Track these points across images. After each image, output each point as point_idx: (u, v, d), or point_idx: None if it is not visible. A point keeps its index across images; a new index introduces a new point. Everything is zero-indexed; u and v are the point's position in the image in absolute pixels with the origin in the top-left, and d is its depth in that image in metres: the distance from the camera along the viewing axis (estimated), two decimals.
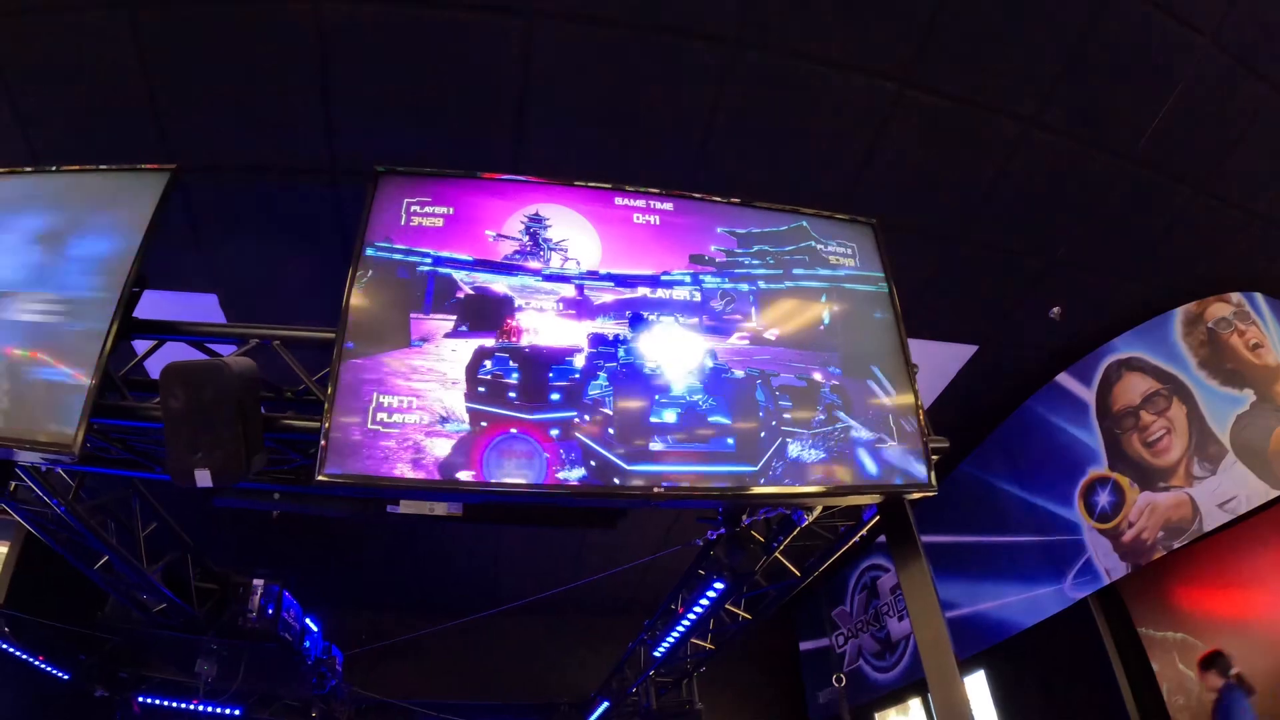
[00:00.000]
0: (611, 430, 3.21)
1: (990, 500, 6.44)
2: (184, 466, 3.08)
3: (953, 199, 5.25)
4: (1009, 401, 6.65)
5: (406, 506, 3.56)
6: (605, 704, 7.32)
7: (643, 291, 3.58)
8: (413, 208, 3.55)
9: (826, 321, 3.74)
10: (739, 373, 3.48)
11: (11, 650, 7.60)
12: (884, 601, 7.64)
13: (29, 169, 3.92)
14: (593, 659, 8.10)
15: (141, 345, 3.79)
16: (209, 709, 8.31)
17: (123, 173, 3.73)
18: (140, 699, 8.53)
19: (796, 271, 3.84)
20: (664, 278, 3.63)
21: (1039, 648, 6.00)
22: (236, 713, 8.31)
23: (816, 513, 4.05)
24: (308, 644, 5.75)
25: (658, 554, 4.67)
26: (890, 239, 4.11)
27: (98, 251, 3.45)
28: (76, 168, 3.77)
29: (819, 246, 3.92)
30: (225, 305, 5.48)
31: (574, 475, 3.09)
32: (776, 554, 4.25)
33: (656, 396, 3.33)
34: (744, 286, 3.71)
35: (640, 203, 3.83)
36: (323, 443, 2.97)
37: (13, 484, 4.19)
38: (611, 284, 3.57)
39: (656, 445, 3.23)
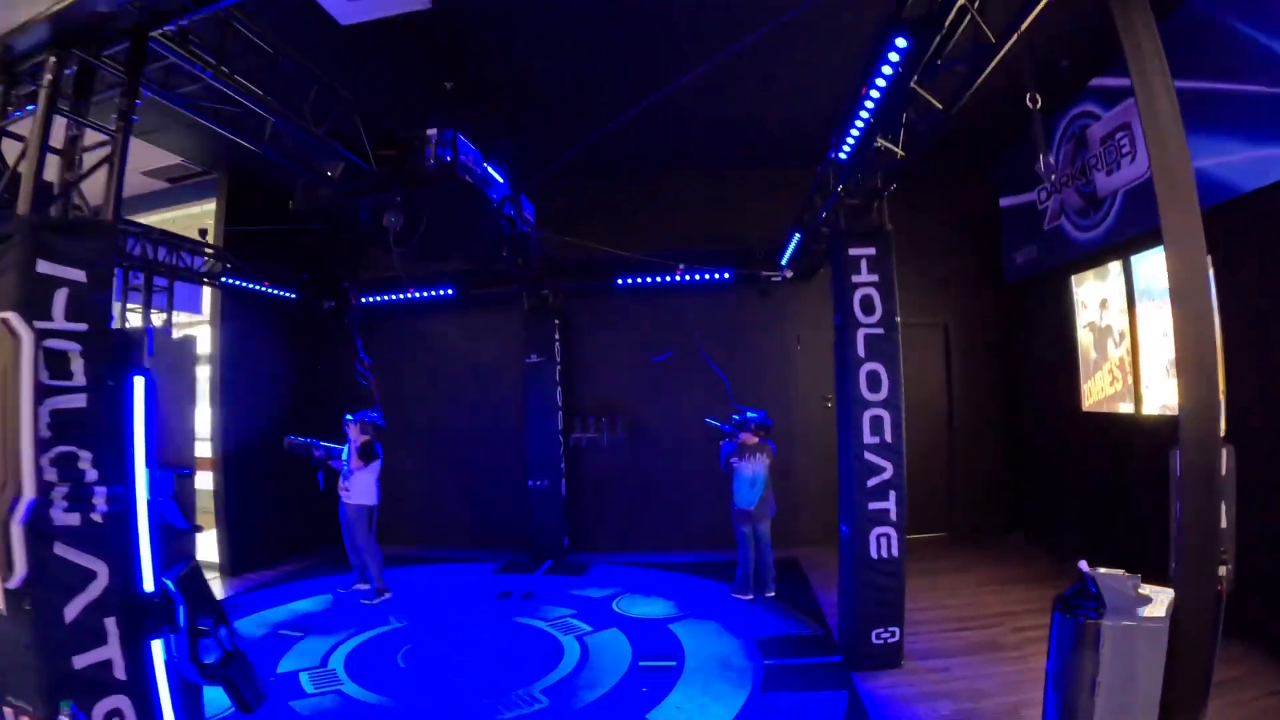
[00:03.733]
0: None
1: (1222, 41, 5.01)
2: None
3: None
4: None
5: None
6: (797, 236, 7.24)
7: None
8: None
9: None
10: None
11: (240, 283, 8.45)
12: (1092, 153, 6.65)
13: None
14: (781, 208, 7.87)
15: None
16: (424, 295, 9.19)
17: None
18: (363, 299, 9.50)
19: None
20: None
21: (1260, 216, 5.00)
22: (450, 292, 9.14)
23: None
24: (491, 189, 5.73)
25: None
26: None
27: None
28: None
29: None
30: None
31: None
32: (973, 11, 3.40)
33: None
34: None
35: None
36: None
37: (155, 65, 4.02)
38: None
39: None
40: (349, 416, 7.44)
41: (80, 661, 2.73)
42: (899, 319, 5.14)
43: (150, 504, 3.00)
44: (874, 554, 5.09)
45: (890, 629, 5.11)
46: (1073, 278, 7.41)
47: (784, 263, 7.96)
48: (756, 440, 6.87)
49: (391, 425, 10.12)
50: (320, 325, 9.72)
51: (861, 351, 5.08)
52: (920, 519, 8.85)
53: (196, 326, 10.14)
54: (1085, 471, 7.32)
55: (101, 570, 2.79)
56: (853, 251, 5.15)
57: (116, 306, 7.77)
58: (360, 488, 7.25)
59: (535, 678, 5.28)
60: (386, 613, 6.90)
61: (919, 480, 8.82)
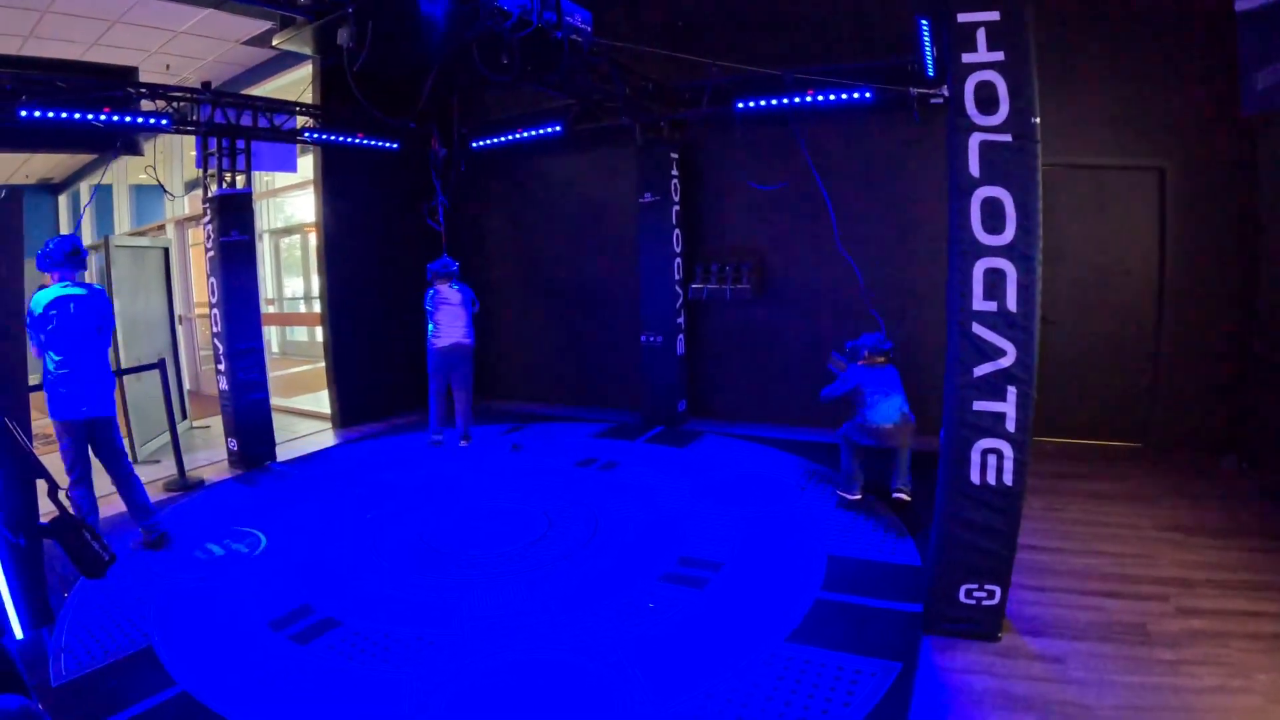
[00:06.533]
0: None
1: None
2: None
3: None
4: None
5: None
6: (924, 24, 5.01)
7: None
8: None
9: None
10: None
11: (328, 138, 7.78)
12: None
13: None
14: None
15: None
16: (533, 134, 8.24)
17: None
18: (474, 144, 8.77)
19: None
20: None
21: None
22: (557, 129, 8.06)
23: None
24: None
25: None
26: None
27: None
28: None
29: None
30: None
31: None
32: None
33: None
34: None
35: None
36: None
37: None
38: None
39: None
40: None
41: None
42: (1037, 121, 3.06)
43: None
44: (975, 477, 3.32)
45: (988, 587, 3.39)
46: None
47: (930, 72, 5.70)
48: (882, 359, 5.39)
49: (501, 275, 9.52)
50: (428, 175, 8.94)
51: (975, 169, 3.12)
52: (1106, 422, 6.62)
53: (299, 190, 9.91)
54: None
55: None
56: (963, 17, 3.10)
57: (197, 173, 7.59)
58: None
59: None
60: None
61: (1111, 370, 6.56)
